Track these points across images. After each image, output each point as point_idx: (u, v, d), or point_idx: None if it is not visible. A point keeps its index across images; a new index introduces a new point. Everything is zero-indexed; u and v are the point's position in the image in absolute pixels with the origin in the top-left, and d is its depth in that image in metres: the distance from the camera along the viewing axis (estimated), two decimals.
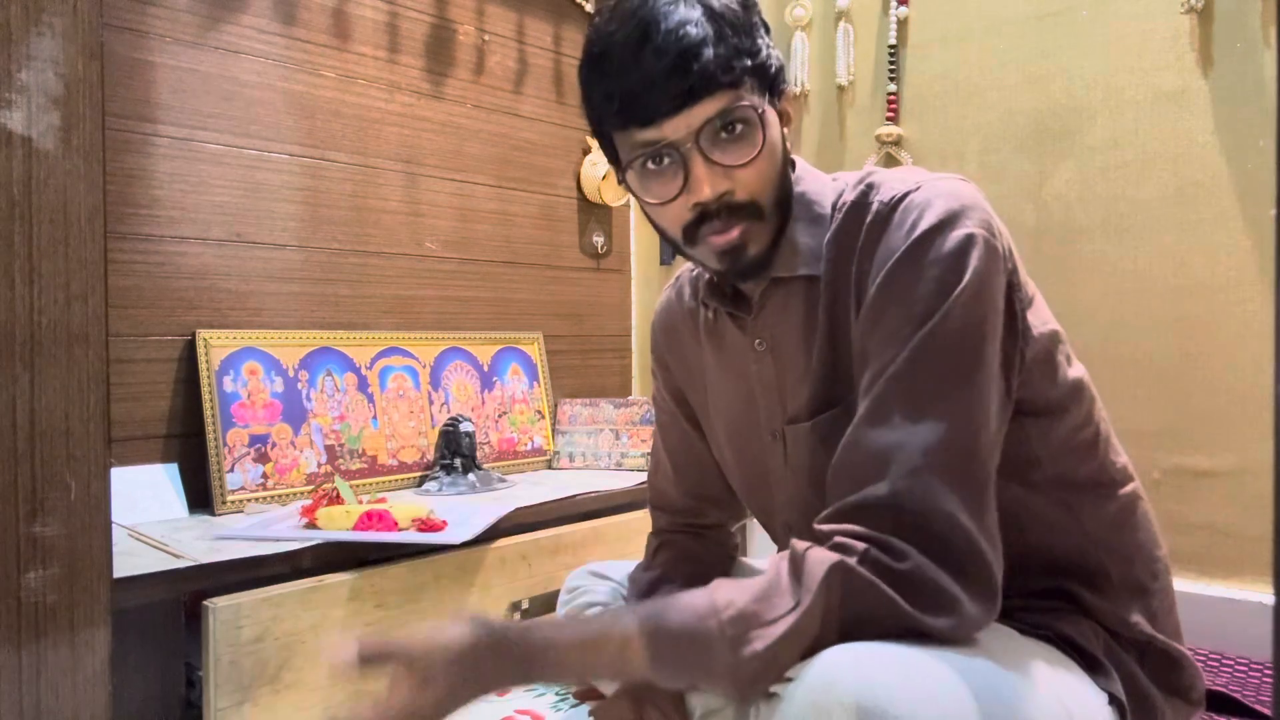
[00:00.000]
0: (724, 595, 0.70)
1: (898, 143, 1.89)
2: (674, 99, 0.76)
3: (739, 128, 0.78)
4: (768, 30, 0.84)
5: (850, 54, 1.96)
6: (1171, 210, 1.56)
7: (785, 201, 0.85)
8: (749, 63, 0.77)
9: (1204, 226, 1.53)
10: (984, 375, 0.74)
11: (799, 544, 0.71)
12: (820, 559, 0.69)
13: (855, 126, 1.98)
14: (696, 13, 0.76)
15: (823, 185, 0.88)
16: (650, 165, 0.80)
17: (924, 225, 0.76)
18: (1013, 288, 0.79)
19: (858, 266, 0.81)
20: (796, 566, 0.70)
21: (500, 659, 0.71)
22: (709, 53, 0.74)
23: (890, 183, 0.82)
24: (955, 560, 0.69)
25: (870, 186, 0.84)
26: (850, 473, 0.74)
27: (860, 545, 0.69)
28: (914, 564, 0.68)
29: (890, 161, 1.90)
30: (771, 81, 0.81)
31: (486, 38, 2.06)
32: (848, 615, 0.67)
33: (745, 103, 0.77)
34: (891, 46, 1.89)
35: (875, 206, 0.81)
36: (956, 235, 0.75)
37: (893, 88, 1.89)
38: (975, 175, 0.86)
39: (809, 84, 2.03)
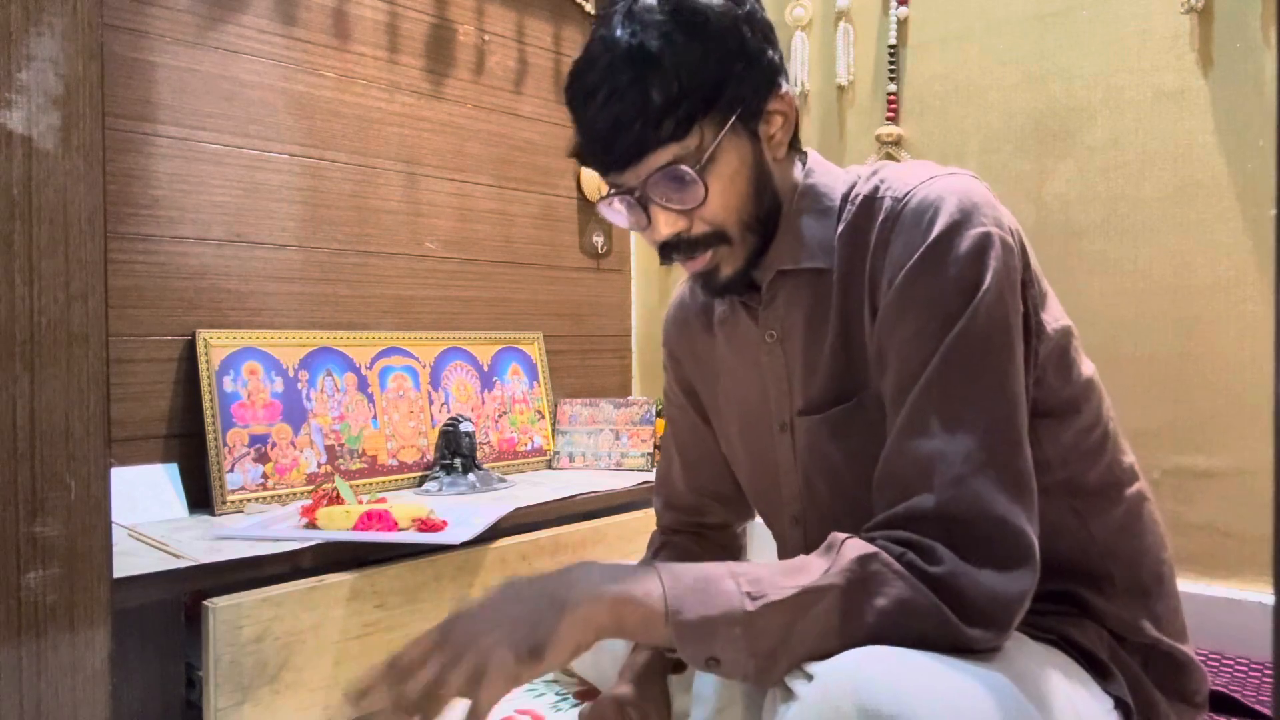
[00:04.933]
0: (741, 567, 0.71)
1: (898, 143, 1.89)
2: (618, 158, 0.80)
3: (683, 177, 0.79)
4: (761, 33, 0.82)
5: (850, 54, 1.96)
6: (1171, 210, 1.56)
7: (766, 217, 0.86)
8: (697, 102, 0.78)
9: (1204, 226, 1.53)
10: (1014, 374, 0.74)
11: (838, 534, 0.71)
12: (857, 546, 0.69)
13: (855, 126, 1.98)
14: (629, 74, 0.77)
15: (834, 178, 0.89)
16: (617, 204, 0.84)
17: (939, 226, 0.76)
18: (1027, 285, 0.79)
19: (871, 264, 0.82)
20: (831, 548, 0.70)
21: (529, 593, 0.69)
22: (637, 126, 0.77)
23: (902, 178, 0.82)
24: (1001, 557, 0.69)
25: (882, 181, 0.84)
26: (894, 483, 0.74)
27: (898, 549, 0.69)
28: (948, 569, 0.68)
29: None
30: (746, 100, 0.81)
31: (486, 38, 2.06)
32: (873, 604, 0.67)
33: (684, 156, 0.79)
34: (891, 46, 1.89)
35: (887, 203, 0.81)
36: (973, 235, 0.75)
37: (893, 88, 1.89)
38: None
39: (809, 84, 2.03)
